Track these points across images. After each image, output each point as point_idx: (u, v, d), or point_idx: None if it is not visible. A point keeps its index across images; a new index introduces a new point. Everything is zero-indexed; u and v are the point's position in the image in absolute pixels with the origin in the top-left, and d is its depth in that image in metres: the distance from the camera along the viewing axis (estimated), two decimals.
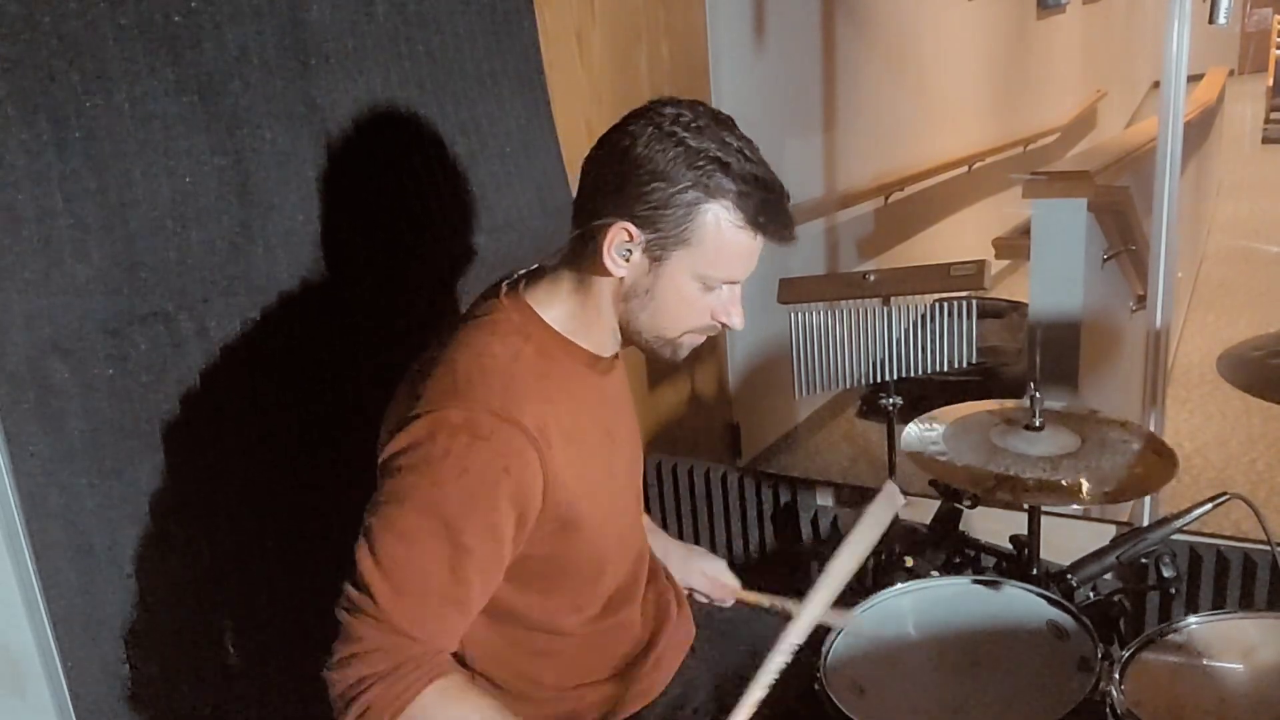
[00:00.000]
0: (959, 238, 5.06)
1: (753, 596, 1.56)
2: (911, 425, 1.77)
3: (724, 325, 1.24)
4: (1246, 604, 1.94)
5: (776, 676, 1.21)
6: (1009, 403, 1.81)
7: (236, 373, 1.48)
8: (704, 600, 1.61)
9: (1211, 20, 2.00)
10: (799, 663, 1.37)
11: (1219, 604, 1.97)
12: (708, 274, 1.18)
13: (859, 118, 4.12)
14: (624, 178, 1.15)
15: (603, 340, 1.28)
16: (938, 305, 2.20)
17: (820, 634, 1.39)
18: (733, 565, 1.63)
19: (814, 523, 2.41)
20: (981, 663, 1.39)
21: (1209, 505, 1.49)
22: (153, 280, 1.38)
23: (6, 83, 1.23)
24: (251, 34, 1.47)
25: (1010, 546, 1.83)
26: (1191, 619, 1.35)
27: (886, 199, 4.33)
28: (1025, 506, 1.75)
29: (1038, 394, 1.68)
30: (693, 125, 1.15)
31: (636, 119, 1.17)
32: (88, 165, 1.30)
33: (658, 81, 2.69)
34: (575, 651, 1.33)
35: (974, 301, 2.18)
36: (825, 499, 2.57)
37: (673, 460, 2.56)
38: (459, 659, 1.30)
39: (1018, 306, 4.22)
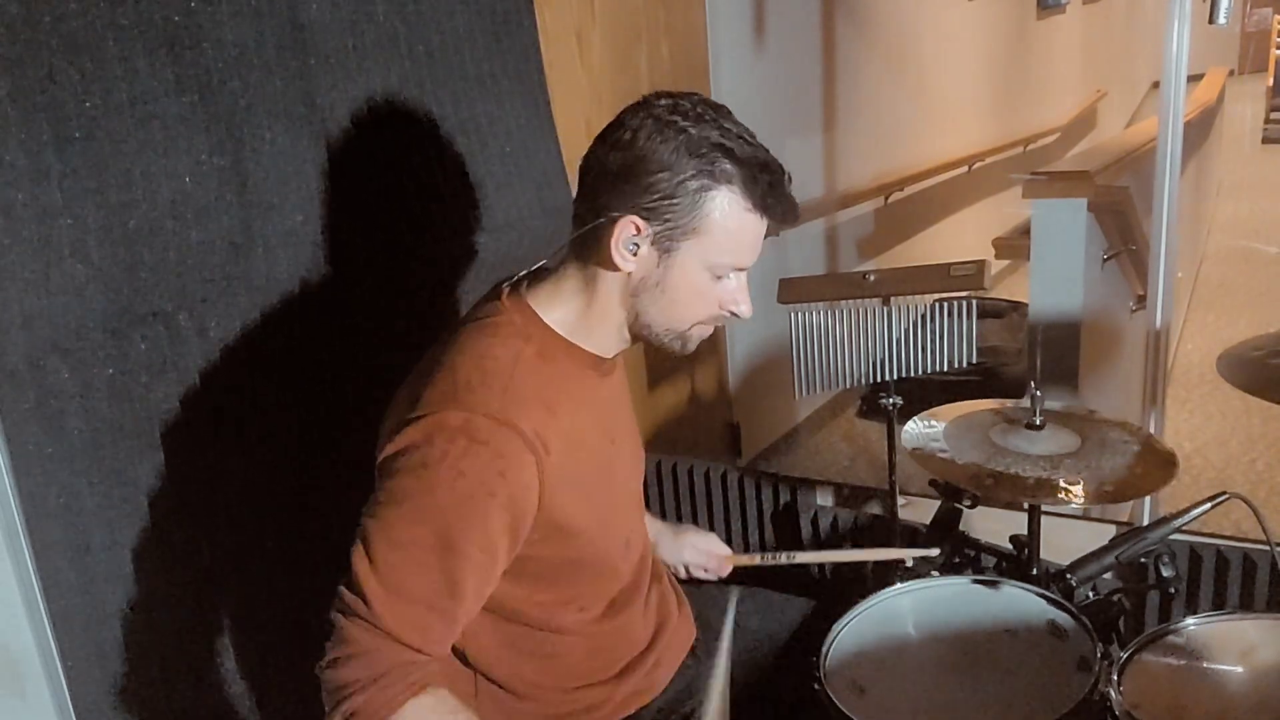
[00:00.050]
0: (959, 238, 5.06)
1: (745, 559, 1.57)
2: (912, 422, 1.77)
3: (733, 314, 1.24)
4: (1246, 604, 1.94)
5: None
6: (1009, 402, 1.81)
7: (236, 373, 1.48)
8: (702, 574, 1.61)
9: (1211, 20, 2.00)
10: (799, 662, 1.38)
11: (1219, 604, 1.97)
12: (717, 261, 1.18)
13: (859, 118, 4.12)
14: (627, 171, 1.15)
15: (607, 340, 1.27)
16: (938, 305, 2.20)
17: (820, 635, 1.40)
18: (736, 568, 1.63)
19: (814, 523, 2.41)
20: (981, 663, 1.39)
21: (1209, 505, 1.49)
22: (153, 280, 1.38)
23: (6, 83, 1.22)
24: (251, 34, 1.47)
25: (1010, 546, 1.83)
26: (1191, 619, 1.35)
27: (886, 199, 4.33)
28: (1025, 506, 1.75)
29: (1038, 393, 1.68)
30: (691, 114, 1.15)
31: (634, 113, 1.17)
32: (87, 165, 1.30)
33: (658, 81, 2.69)
34: (577, 652, 1.33)
35: (974, 301, 2.17)
36: (825, 499, 2.57)
37: (673, 460, 2.56)
38: (461, 658, 1.30)
39: (1018, 306, 4.22)
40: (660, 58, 2.72)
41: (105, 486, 1.36)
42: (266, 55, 1.50)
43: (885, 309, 2.19)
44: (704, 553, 1.59)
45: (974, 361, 2.21)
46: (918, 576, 1.64)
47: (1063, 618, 1.40)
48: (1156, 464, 1.58)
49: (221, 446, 1.48)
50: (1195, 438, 3.66)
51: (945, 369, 2.20)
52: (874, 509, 2.57)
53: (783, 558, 1.51)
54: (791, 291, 2.29)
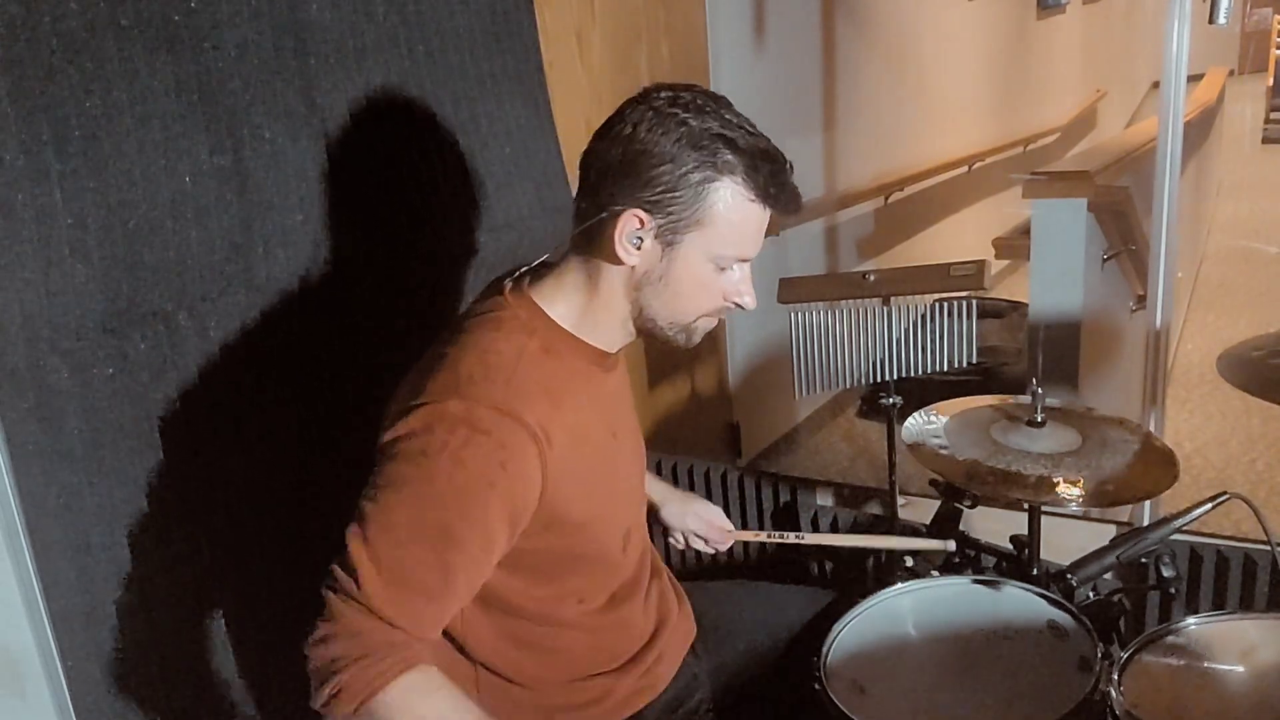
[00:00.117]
0: (959, 238, 5.06)
1: (749, 535, 1.57)
2: (913, 417, 1.77)
3: (737, 306, 1.24)
4: (1246, 604, 1.94)
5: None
6: (1010, 398, 1.81)
7: (236, 372, 1.48)
8: (701, 545, 1.61)
9: (1211, 20, 2.00)
10: (799, 663, 1.38)
11: (1219, 604, 1.97)
12: (722, 253, 1.18)
13: (859, 118, 4.12)
14: (628, 165, 1.14)
15: (611, 335, 1.27)
16: (938, 305, 2.20)
17: (820, 634, 1.39)
18: (733, 564, 1.63)
19: (814, 523, 2.41)
20: (982, 663, 1.39)
21: (1209, 505, 1.49)
22: (152, 280, 1.38)
23: (6, 82, 1.22)
24: (251, 34, 1.47)
25: (1010, 546, 1.83)
26: (1191, 619, 1.35)
27: (886, 199, 4.33)
28: (1025, 506, 1.75)
29: (1039, 390, 1.68)
30: (691, 106, 1.15)
31: (633, 106, 1.17)
32: (87, 165, 1.30)
33: (658, 81, 2.69)
34: (578, 645, 1.33)
35: (974, 301, 2.17)
36: (825, 499, 2.57)
37: (673, 460, 2.56)
38: (461, 650, 1.30)
39: (1018, 306, 4.22)
40: (660, 58, 2.72)
41: (105, 486, 1.36)
42: (266, 55, 1.50)
43: (885, 309, 2.19)
44: (706, 523, 1.59)
45: (974, 361, 2.22)
46: (918, 576, 1.64)
47: (1063, 618, 1.40)
48: (1157, 463, 1.58)
49: (221, 446, 1.48)
50: (1195, 438, 3.66)
51: (945, 369, 2.20)
52: (874, 509, 2.57)
53: (790, 537, 1.51)
54: (791, 291, 2.29)
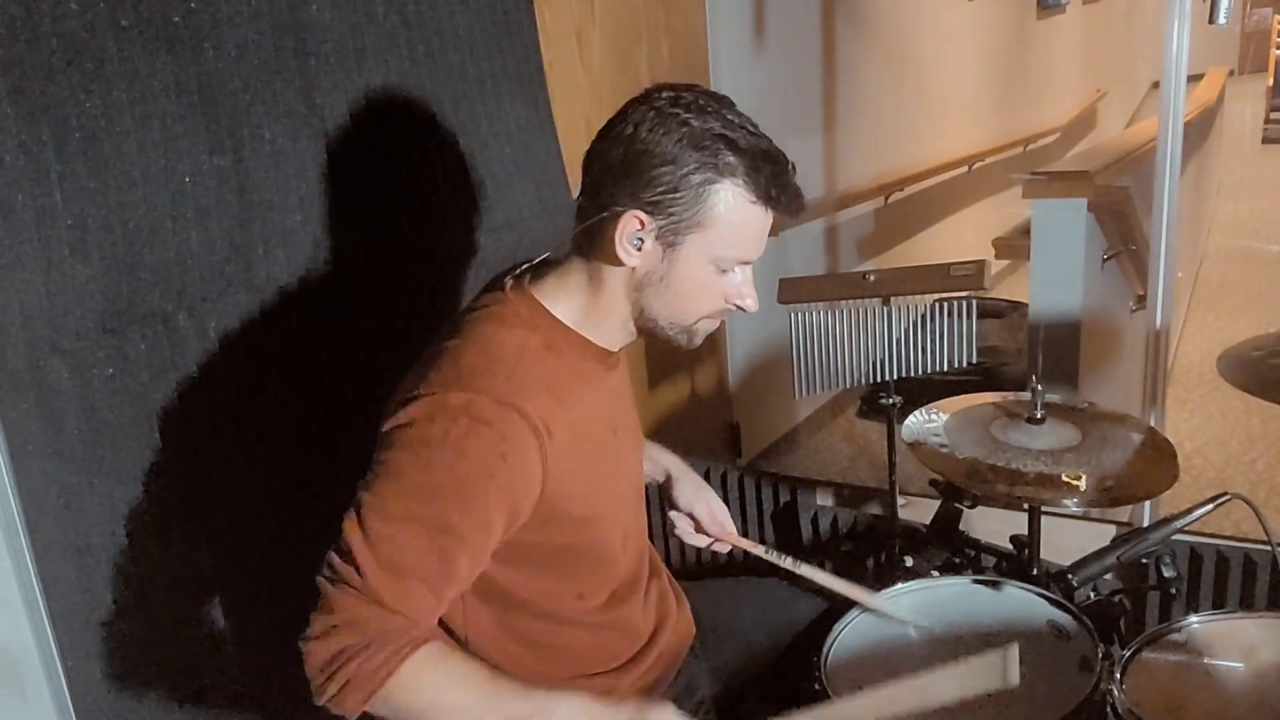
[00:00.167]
0: (959, 238, 5.06)
1: (747, 543, 1.56)
2: (913, 415, 1.77)
3: (738, 308, 1.24)
4: (1247, 604, 1.94)
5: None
6: (1011, 395, 1.81)
7: (236, 372, 1.48)
8: (692, 537, 1.57)
9: (1211, 20, 2.00)
10: (799, 663, 1.38)
11: (1219, 604, 1.97)
12: (722, 255, 1.18)
13: (859, 118, 4.12)
14: (630, 165, 1.14)
15: (612, 334, 1.27)
16: (938, 305, 2.20)
17: (820, 634, 1.39)
18: (732, 563, 1.63)
19: (814, 523, 2.41)
20: None
21: (1209, 505, 1.49)
22: (152, 280, 1.38)
23: (6, 83, 1.22)
24: (251, 34, 1.47)
25: (1010, 546, 1.83)
26: (1192, 619, 1.35)
27: (886, 199, 4.33)
28: (1025, 506, 1.75)
29: (1039, 387, 1.67)
30: (693, 106, 1.14)
31: (636, 106, 1.17)
32: (87, 165, 1.30)
33: (658, 81, 2.69)
34: (578, 643, 1.33)
35: (974, 301, 2.18)
36: (825, 499, 2.57)
37: None
38: (463, 646, 1.30)
39: (1018, 306, 4.22)
40: (660, 58, 2.72)
41: (105, 486, 1.36)
42: (266, 55, 1.50)
43: (885, 309, 2.19)
44: (712, 515, 1.57)
45: (974, 361, 2.22)
46: (918, 576, 1.64)
47: (1064, 618, 1.39)
48: (1157, 460, 1.58)
49: (221, 446, 1.48)
50: (1195, 438, 3.66)
51: (945, 369, 2.20)
52: (874, 509, 2.57)
53: (787, 561, 1.50)
54: (791, 291, 2.29)
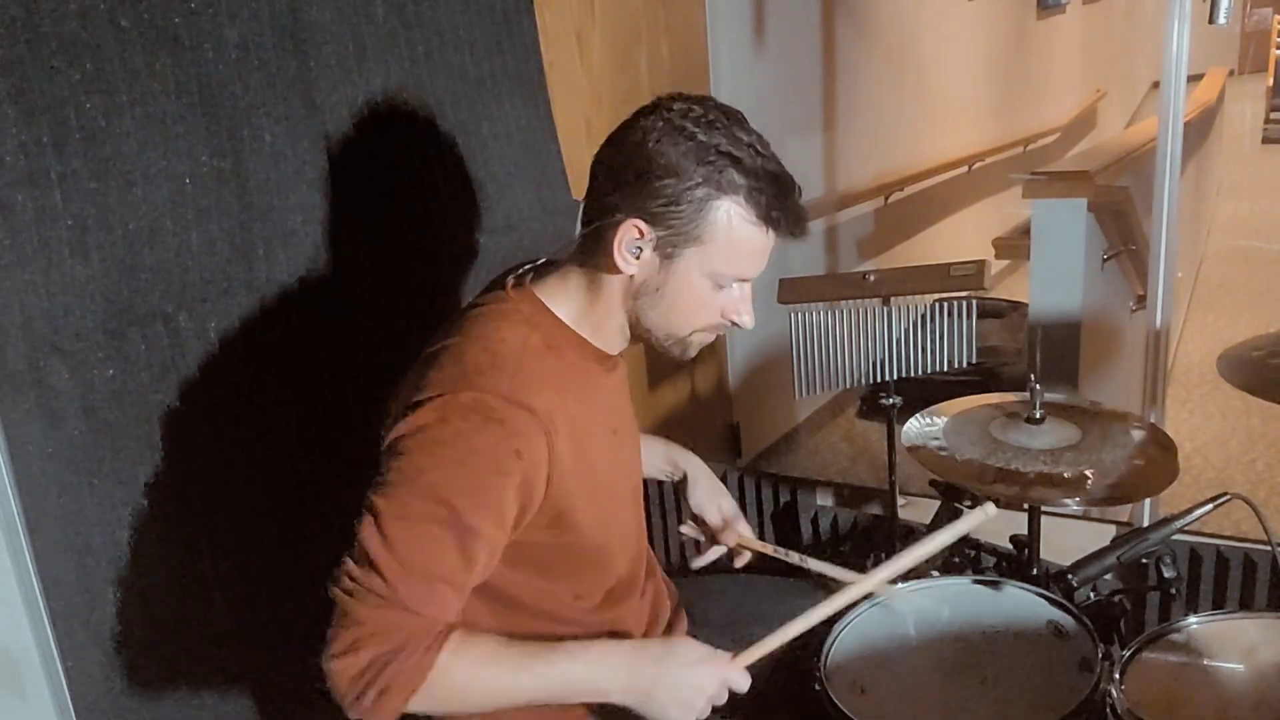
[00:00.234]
0: (959, 238, 5.06)
1: (758, 545, 1.56)
2: (912, 420, 1.77)
3: (734, 324, 1.24)
4: (1247, 604, 1.94)
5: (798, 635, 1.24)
6: (1010, 396, 1.81)
7: (236, 373, 1.48)
8: (695, 536, 1.58)
9: (1211, 20, 2.00)
10: (799, 663, 1.37)
11: (1219, 604, 1.97)
12: (719, 271, 1.18)
13: (859, 118, 4.12)
14: (635, 174, 1.14)
15: (610, 338, 1.27)
16: (938, 305, 2.20)
17: (821, 635, 1.39)
18: (733, 564, 1.62)
19: (814, 523, 2.41)
20: (981, 663, 1.39)
21: (1209, 505, 1.49)
22: (152, 280, 1.38)
23: (6, 83, 1.22)
24: (251, 34, 1.47)
25: (1010, 546, 1.83)
26: (1192, 619, 1.35)
27: (886, 199, 4.33)
28: (1025, 506, 1.75)
29: (1038, 386, 1.67)
30: (703, 120, 1.14)
31: (647, 115, 1.16)
32: (87, 165, 1.30)
33: (658, 81, 2.69)
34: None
35: (974, 301, 2.18)
36: (825, 499, 2.57)
37: None
38: None
39: (1018, 306, 4.22)
40: (660, 58, 2.72)
41: (105, 486, 1.36)
42: (266, 55, 1.50)
43: (885, 309, 2.19)
44: (723, 519, 1.57)
45: (974, 361, 2.22)
46: (918, 576, 1.64)
47: (1064, 618, 1.39)
48: (1158, 457, 1.58)
49: (221, 446, 1.48)
50: (1195, 438, 3.66)
51: (945, 369, 2.20)
52: (874, 509, 2.57)
53: (794, 557, 1.50)
54: (791, 291, 2.29)
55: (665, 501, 2.58)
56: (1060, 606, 1.41)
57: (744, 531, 1.56)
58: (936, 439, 1.70)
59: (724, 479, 2.48)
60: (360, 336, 1.64)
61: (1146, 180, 2.22)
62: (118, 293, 1.35)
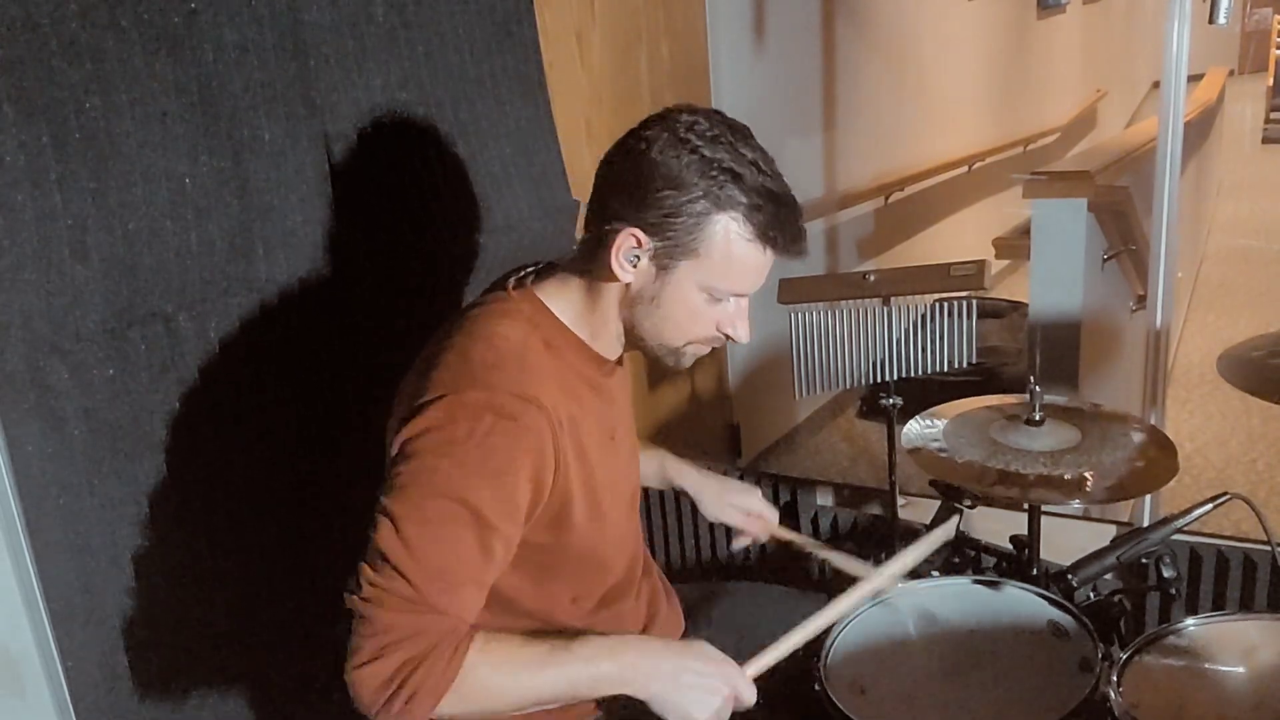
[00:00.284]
0: (959, 238, 5.06)
1: (787, 534, 1.56)
2: (912, 422, 1.77)
3: (728, 338, 1.24)
4: (1247, 604, 1.94)
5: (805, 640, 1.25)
6: (1009, 398, 1.81)
7: (236, 373, 1.48)
8: (741, 539, 1.58)
9: (1211, 20, 2.00)
10: (800, 663, 1.37)
11: (1219, 604, 1.97)
12: (715, 285, 1.18)
13: (859, 118, 4.12)
14: (636, 183, 1.15)
15: (608, 343, 1.28)
16: (938, 305, 2.20)
17: (821, 635, 1.39)
18: (732, 564, 1.63)
19: (814, 523, 2.41)
20: (981, 663, 1.38)
21: (1209, 505, 1.49)
22: (152, 281, 1.38)
23: (6, 83, 1.22)
24: (251, 34, 1.47)
25: (1010, 546, 1.83)
26: (1192, 620, 1.35)
27: (886, 199, 4.33)
28: (1025, 506, 1.75)
29: (1038, 388, 1.67)
30: (708, 134, 1.14)
31: (653, 124, 1.17)
32: (87, 165, 1.30)
33: (658, 81, 2.69)
34: None
35: (974, 301, 2.18)
36: (825, 499, 2.57)
37: None
38: None
39: (1018, 306, 4.22)
40: (660, 58, 2.72)
41: (105, 486, 1.36)
42: (266, 55, 1.50)
43: (885, 309, 2.19)
44: (744, 514, 1.56)
45: (974, 362, 2.22)
46: (918, 576, 1.64)
47: (1064, 618, 1.39)
48: (1158, 458, 1.58)
49: (221, 446, 1.48)
50: (1195, 438, 3.66)
51: (945, 369, 2.20)
52: (874, 509, 2.57)
53: (823, 551, 1.51)
54: (791, 291, 2.29)
55: (665, 504, 2.58)
56: (1060, 606, 1.41)
57: (772, 520, 1.57)
58: (936, 440, 1.70)
59: None
60: (360, 336, 1.64)
61: (1146, 180, 2.22)
62: (118, 293, 1.35)
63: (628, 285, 1.20)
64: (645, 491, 1.50)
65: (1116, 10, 8.17)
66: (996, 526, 1.94)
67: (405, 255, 1.72)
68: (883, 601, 1.44)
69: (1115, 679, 1.24)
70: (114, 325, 1.34)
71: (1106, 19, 7.95)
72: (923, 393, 2.19)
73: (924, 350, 2.20)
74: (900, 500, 2.33)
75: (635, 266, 1.18)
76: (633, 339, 1.26)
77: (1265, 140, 9.42)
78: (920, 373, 2.21)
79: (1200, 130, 4.92)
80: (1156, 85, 2.20)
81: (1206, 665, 1.30)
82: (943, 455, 1.65)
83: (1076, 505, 1.56)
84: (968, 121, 5.35)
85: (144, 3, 1.35)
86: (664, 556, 2.41)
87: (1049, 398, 1.71)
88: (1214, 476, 3.38)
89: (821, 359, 2.27)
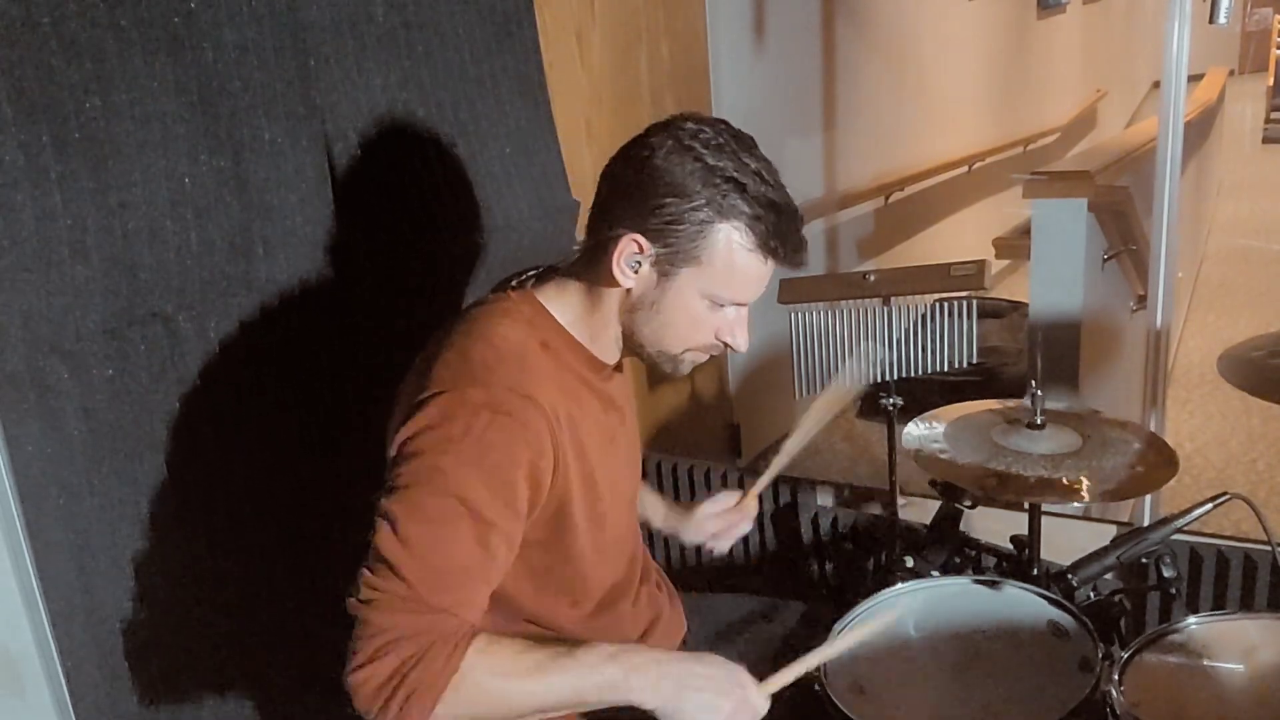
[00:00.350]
0: (959, 238, 5.07)
1: (754, 487, 1.57)
2: (912, 424, 1.77)
3: (727, 346, 1.24)
4: (1247, 604, 1.94)
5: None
6: (1010, 402, 1.81)
7: (236, 373, 1.48)
8: (730, 538, 1.58)
9: (1211, 20, 2.00)
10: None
11: (1219, 604, 1.97)
12: (715, 293, 1.18)
13: (859, 118, 4.12)
14: (639, 189, 1.15)
15: (606, 347, 1.28)
16: (938, 305, 2.20)
17: (820, 634, 1.39)
18: (733, 565, 1.62)
19: (814, 522, 2.41)
20: (981, 662, 1.38)
21: (1209, 505, 1.49)
22: (152, 281, 1.38)
23: (6, 83, 1.22)
24: (251, 34, 1.47)
25: (1010, 546, 1.83)
26: (1192, 619, 1.35)
27: (886, 199, 4.33)
28: (1026, 506, 1.75)
29: (1039, 392, 1.67)
30: (712, 143, 1.14)
31: (658, 132, 1.17)
32: (87, 165, 1.30)
33: (658, 81, 2.69)
34: None
35: (974, 301, 2.17)
36: (825, 499, 2.57)
37: (673, 460, 2.56)
38: None
39: (1018, 306, 4.22)
40: (660, 58, 2.72)
41: (105, 486, 1.36)
42: (266, 55, 1.50)
43: (885, 309, 2.19)
44: (718, 516, 1.57)
45: (974, 362, 2.22)
46: (918, 576, 1.64)
47: (1064, 618, 1.39)
48: (1158, 463, 1.58)
49: (222, 446, 1.48)
50: (1195, 438, 3.67)
51: (945, 369, 2.20)
52: (874, 509, 2.57)
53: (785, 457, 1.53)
54: (791, 291, 2.29)
55: None
56: (1060, 606, 1.41)
57: (733, 501, 1.58)
58: (937, 442, 1.70)
59: (724, 479, 2.49)
60: (360, 336, 1.64)
61: (1147, 180, 2.22)
62: (118, 293, 1.35)
63: (628, 291, 1.20)
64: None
65: (1116, 10, 8.18)
66: (996, 526, 1.94)
67: (405, 255, 1.72)
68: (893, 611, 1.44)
69: (1117, 678, 1.24)
70: (114, 325, 1.34)
71: (1106, 19, 7.95)
72: (923, 393, 2.20)
73: (924, 350, 2.20)
74: (900, 500, 2.33)
75: (636, 272, 1.18)
76: (631, 345, 1.26)
77: (1265, 140, 9.43)
78: (920, 373, 2.21)
79: (1200, 130, 4.92)
80: (1156, 85, 2.20)
81: (1207, 664, 1.30)
82: (943, 457, 1.65)
83: (1076, 505, 1.55)
84: (968, 121, 5.35)
85: (144, 3, 1.35)
86: (664, 559, 2.41)
87: (1049, 401, 1.71)
88: (1214, 476, 3.38)
89: (821, 359, 2.27)
